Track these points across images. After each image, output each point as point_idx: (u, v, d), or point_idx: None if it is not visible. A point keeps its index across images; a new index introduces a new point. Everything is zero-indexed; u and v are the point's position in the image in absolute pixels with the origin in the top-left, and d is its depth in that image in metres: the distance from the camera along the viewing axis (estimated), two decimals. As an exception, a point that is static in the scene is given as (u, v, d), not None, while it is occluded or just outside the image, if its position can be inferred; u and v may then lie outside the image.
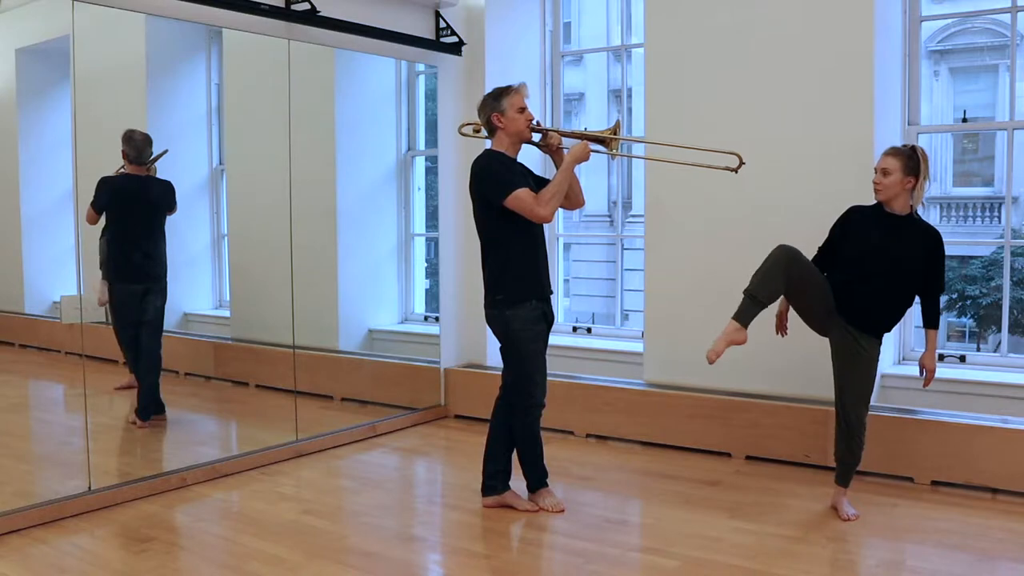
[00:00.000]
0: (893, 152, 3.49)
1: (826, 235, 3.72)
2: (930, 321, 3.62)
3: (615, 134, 3.67)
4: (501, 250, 3.59)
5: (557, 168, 3.63)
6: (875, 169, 3.51)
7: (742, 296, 3.52)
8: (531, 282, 3.61)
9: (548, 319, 3.70)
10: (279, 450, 4.53)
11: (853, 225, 3.60)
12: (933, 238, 3.53)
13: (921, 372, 3.66)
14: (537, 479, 3.76)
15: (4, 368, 4.56)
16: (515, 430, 3.71)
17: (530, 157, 4.02)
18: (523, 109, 3.58)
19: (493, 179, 3.52)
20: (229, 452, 4.65)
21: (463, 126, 3.92)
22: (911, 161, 3.44)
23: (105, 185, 4.26)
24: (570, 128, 4.13)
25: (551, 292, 3.73)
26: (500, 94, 3.59)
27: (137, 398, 4.57)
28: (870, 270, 3.50)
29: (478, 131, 3.75)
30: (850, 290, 3.53)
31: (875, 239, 3.51)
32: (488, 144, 3.70)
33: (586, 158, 3.62)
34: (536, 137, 3.67)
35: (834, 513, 3.60)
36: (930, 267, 3.54)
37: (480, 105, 3.65)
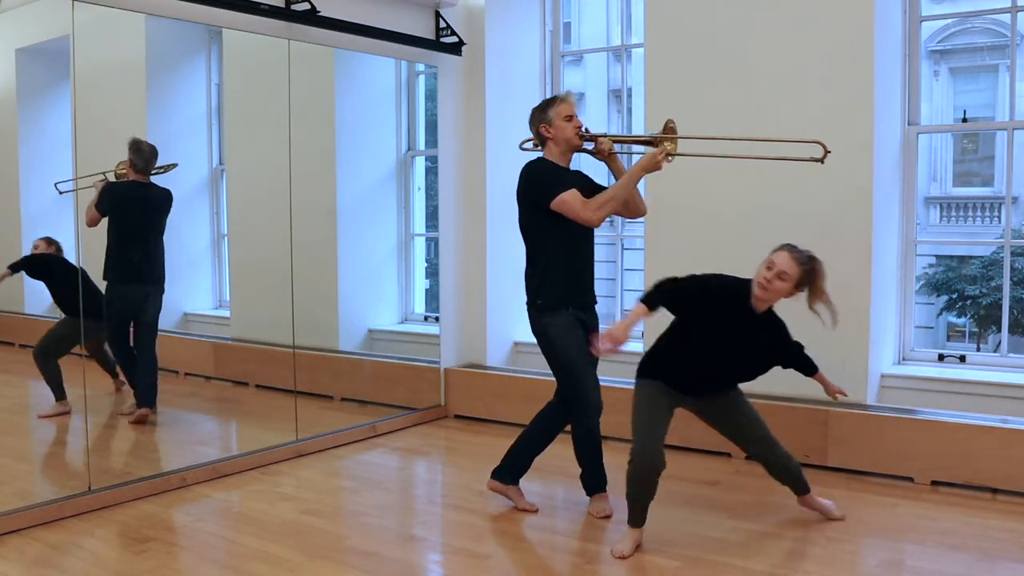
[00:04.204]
0: (795, 257, 3.21)
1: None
2: (810, 368, 3.56)
3: (671, 133, 3.52)
4: (543, 257, 3.57)
5: (613, 174, 3.60)
6: (771, 263, 3.22)
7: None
8: (570, 290, 3.56)
9: (586, 326, 3.61)
10: (279, 450, 4.53)
11: (715, 309, 3.28)
12: (781, 332, 3.41)
13: (835, 398, 3.60)
14: (596, 484, 3.72)
15: (4, 368, 4.56)
16: (574, 434, 3.69)
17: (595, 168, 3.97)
18: (571, 117, 3.55)
19: (541, 182, 3.50)
20: (229, 452, 4.66)
21: (524, 143, 3.87)
22: (808, 276, 3.22)
23: (111, 190, 4.31)
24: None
25: (594, 301, 3.69)
26: (547, 105, 3.59)
27: (136, 396, 4.58)
28: (718, 370, 3.36)
29: (538, 146, 3.72)
30: (692, 377, 3.35)
31: (733, 342, 3.28)
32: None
33: (656, 167, 3.44)
34: (589, 145, 3.61)
35: (824, 518, 3.57)
36: (783, 351, 3.44)
37: (530, 119, 3.65)
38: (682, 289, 3.32)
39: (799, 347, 3.53)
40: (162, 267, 4.63)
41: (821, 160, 3.46)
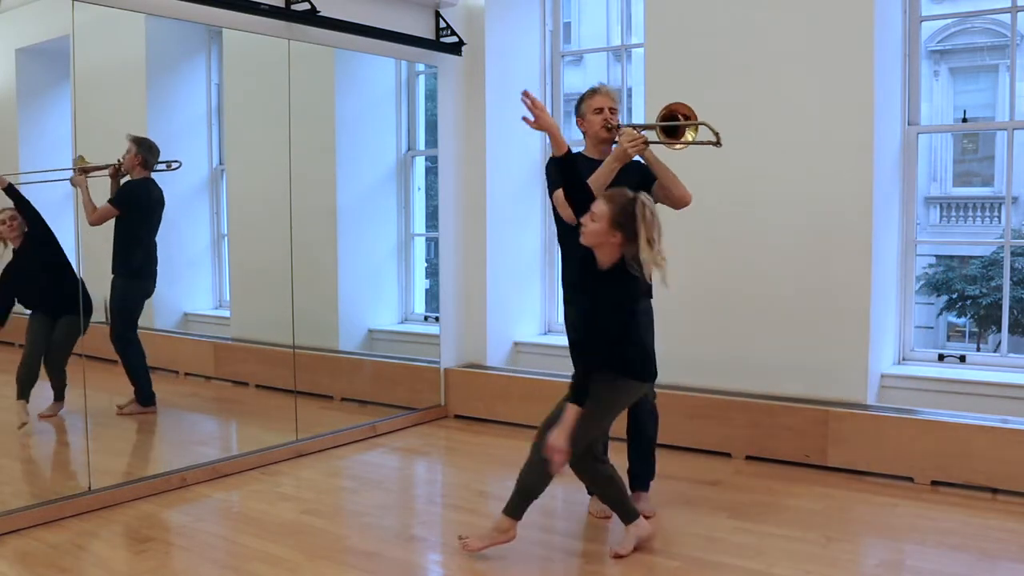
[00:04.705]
0: (607, 195, 2.99)
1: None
2: (579, 392, 3.02)
3: (676, 118, 3.47)
4: (563, 250, 3.62)
5: (647, 164, 3.55)
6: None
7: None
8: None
9: None
10: (279, 450, 4.53)
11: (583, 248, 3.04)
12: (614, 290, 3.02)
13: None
14: None
15: (4, 368, 4.55)
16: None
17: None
18: (600, 110, 3.51)
19: (548, 178, 3.51)
20: (229, 452, 4.65)
21: None
22: (623, 215, 2.89)
23: (129, 188, 4.40)
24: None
25: None
26: (581, 99, 3.57)
27: (137, 392, 4.61)
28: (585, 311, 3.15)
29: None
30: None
31: (586, 283, 3.08)
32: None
33: (626, 159, 3.37)
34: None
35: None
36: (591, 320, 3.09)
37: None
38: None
39: (605, 338, 3.01)
40: (157, 263, 4.69)
41: (717, 144, 3.37)
